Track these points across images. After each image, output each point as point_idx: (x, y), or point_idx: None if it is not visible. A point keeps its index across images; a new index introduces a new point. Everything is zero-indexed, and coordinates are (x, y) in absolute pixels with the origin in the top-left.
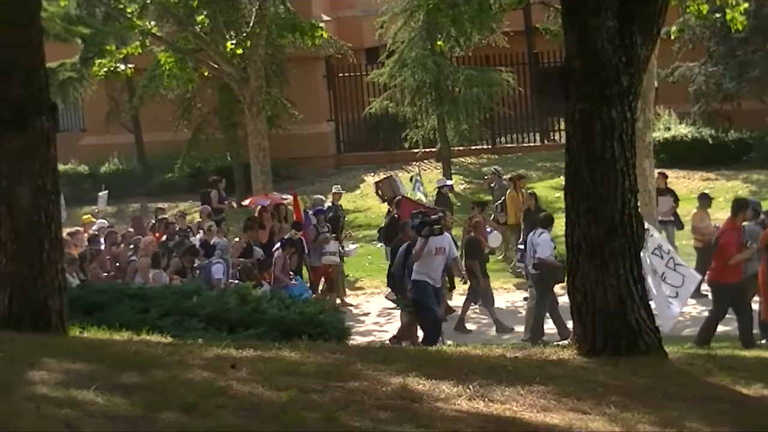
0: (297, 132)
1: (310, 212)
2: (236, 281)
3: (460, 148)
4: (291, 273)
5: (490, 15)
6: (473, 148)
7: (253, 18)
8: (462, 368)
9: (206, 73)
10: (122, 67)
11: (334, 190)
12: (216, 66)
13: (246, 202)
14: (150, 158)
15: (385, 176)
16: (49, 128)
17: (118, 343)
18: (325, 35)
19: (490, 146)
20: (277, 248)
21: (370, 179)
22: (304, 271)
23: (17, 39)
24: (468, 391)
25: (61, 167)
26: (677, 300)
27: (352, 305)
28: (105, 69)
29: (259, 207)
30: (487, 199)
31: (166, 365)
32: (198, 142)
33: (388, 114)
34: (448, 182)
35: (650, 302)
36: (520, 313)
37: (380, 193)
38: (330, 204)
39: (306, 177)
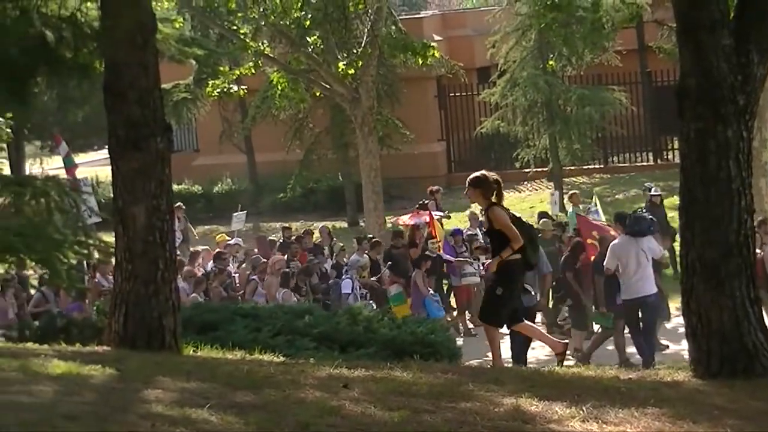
0: (408, 152)
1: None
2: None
3: (572, 167)
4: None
5: (602, 34)
6: (585, 167)
7: (365, 38)
8: (575, 390)
9: (318, 94)
10: (235, 87)
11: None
12: (328, 86)
13: (400, 220)
14: (262, 178)
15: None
16: (164, 148)
17: (231, 362)
18: (436, 55)
19: (602, 165)
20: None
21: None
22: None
23: (133, 61)
24: (581, 412)
25: (174, 187)
26: None
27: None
28: (218, 90)
29: (411, 225)
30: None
31: (278, 384)
32: (310, 162)
33: (500, 133)
34: (656, 191)
35: None
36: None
37: (555, 202)
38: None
39: (416, 196)
